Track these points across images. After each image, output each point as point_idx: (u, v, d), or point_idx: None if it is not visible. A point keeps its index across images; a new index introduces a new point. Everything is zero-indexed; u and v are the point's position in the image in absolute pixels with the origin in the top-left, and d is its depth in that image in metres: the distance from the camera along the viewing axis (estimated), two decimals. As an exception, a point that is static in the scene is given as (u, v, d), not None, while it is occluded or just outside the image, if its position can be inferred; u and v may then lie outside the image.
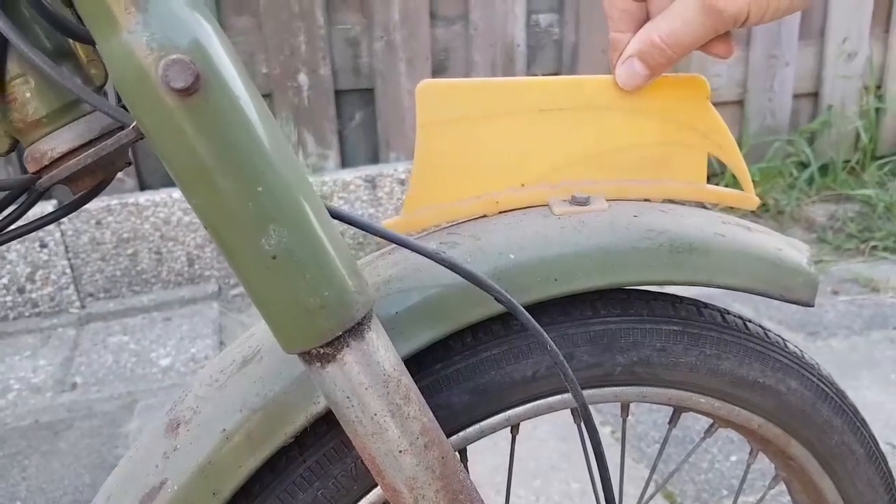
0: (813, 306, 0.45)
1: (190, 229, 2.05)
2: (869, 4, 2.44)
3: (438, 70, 2.21)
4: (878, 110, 2.54)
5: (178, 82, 0.27)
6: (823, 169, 2.50)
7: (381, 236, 0.37)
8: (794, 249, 0.47)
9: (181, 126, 0.28)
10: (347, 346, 0.32)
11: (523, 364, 0.43)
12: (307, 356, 0.32)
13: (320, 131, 2.19)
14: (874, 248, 2.14)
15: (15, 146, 0.36)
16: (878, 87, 2.55)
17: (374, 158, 2.27)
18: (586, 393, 0.45)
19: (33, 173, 0.35)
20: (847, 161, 2.52)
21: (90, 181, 0.35)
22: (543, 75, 2.30)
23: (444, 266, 0.35)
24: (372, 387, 0.33)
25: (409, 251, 0.38)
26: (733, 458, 1.30)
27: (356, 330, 0.32)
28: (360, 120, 2.25)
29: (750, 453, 0.55)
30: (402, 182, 2.21)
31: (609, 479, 0.42)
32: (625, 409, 0.50)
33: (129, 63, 0.27)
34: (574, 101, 0.44)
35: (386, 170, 2.20)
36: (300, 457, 0.40)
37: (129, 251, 2.02)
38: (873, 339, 1.70)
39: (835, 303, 1.88)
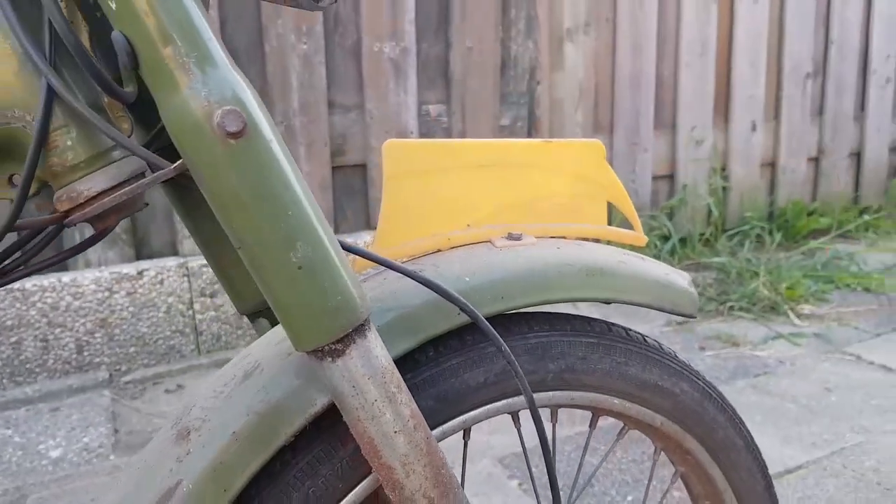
0: (695, 317, 0.57)
1: (80, 314, 1.99)
2: (710, 99, 2.83)
3: (337, 153, 2.32)
4: (724, 189, 2.90)
5: (232, 127, 0.35)
6: (683, 241, 2.79)
7: (373, 260, 0.45)
8: (677, 275, 0.59)
9: (229, 163, 0.36)
10: (353, 343, 0.40)
11: (477, 372, 0.51)
12: (319, 353, 0.39)
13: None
14: (731, 308, 2.40)
15: (40, 190, 0.42)
16: (723, 169, 2.92)
17: (273, 239, 2.32)
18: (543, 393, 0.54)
19: (63, 212, 0.41)
20: (702, 234, 2.83)
21: (115, 219, 0.41)
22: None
23: (423, 284, 0.44)
24: (372, 377, 0.40)
25: (386, 276, 0.46)
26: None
27: (360, 329, 0.40)
28: (257, 202, 2.29)
29: (654, 451, 0.65)
30: (301, 261, 2.26)
31: (554, 468, 0.51)
32: (554, 414, 0.60)
33: (189, 113, 0.35)
34: (504, 160, 0.55)
35: (285, 249, 2.25)
36: (293, 460, 0.45)
37: (13, 339, 1.92)
38: (738, 387, 1.90)
39: (702, 357, 2.09)
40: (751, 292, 2.45)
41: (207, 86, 0.36)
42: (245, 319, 2.19)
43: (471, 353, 0.51)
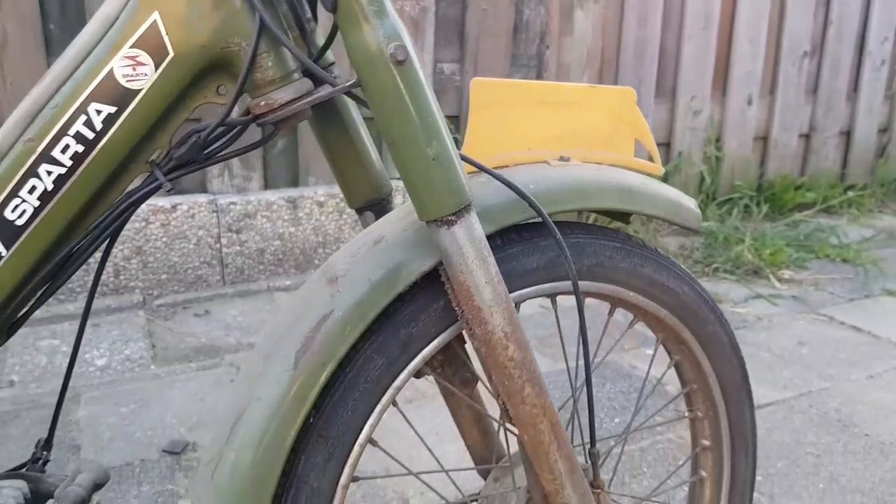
0: (699, 233, 0.74)
1: (118, 242, 2.14)
2: (710, 72, 2.98)
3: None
4: (717, 158, 3.06)
5: (400, 56, 0.51)
6: (676, 206, 2.96)
7: (473, 165, 0.61)
8: (687, 199, 0.76)
9: (397, 82, 0.51)
10: (462, 217, 0.56)
11: (531, 259, 0.67)
12: (438, 222, 0.56)
13: (245, 155, 2.36)
14: (716, 269, 2.59)
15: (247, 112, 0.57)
16: (718, 140, 3.08)
17: (295, 182, 2.47)
18: (566, 283, 0.71)
19: (255, 115, 0.57)
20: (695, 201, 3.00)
21: (293, 122, 0.57)
22: (446, 116, 2.61)
23: (505, 184, 0.60)
24: (472, 242, 0.56)
25: (475, 179, 0.62)
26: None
27: (467, 208, 0.56)
28: (282, 147, 2.44)
29: (657, 341, 0.82)
30: (320, 204, 2.41)
31: (587, 340, 0.68)
32: (582, 301, 0.77)
33: (370, 46, 0.51)
34: (557, 99, 0.71)
35: (307, 192, 2.40)
36: (402, 307, 0.62)
37: (57, 260, 2.07)
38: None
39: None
40: (735, 256, 2.63)
41: (384, 28, 0.51)
42: (271, 254, 2.35)
43: (528, 244, 0.67)
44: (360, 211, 0.72)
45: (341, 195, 2.42)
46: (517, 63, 2.69)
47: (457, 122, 2.67)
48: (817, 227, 3.00)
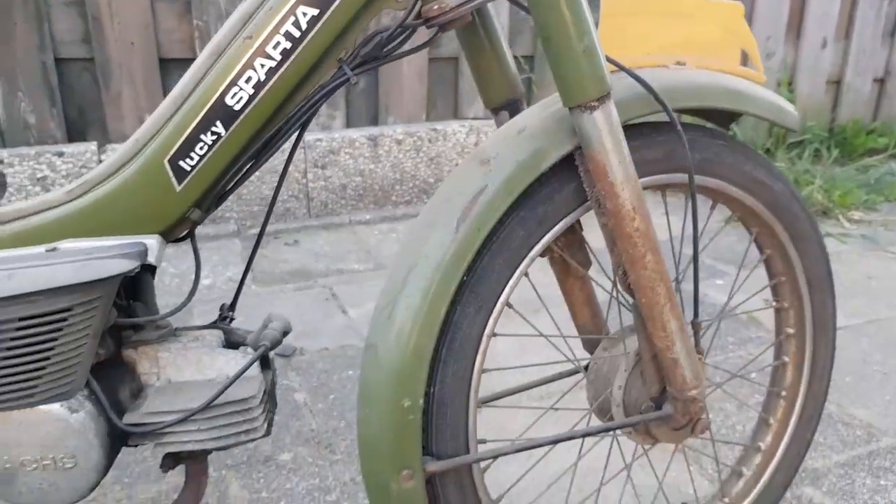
0: (797, 132, 0.82)
1: (214, 174, 2.30)
2: (785, 13, 2.95)
3: (433, 45, 2.54)
4: (789, 102, 3.05)
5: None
6: (745, 149, 2.98)
7: (609, 61, 0.70)
8: (786, 101, 0.84)
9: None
10: (602, 104, 0.66)
11: (649, 151, 0.77)
12: (581, 107, 0.66)
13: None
14: (786, 210, 2.62)
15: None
16: (790, 83, 3.06)
17: (375, 121, 2.58)
18: (676, 176, 0.80)
19: (427, 19, 0.67)
20: (764, 144, 3.02)
21: (456, 25, 0.67)
22: (520, 56, 2.67)
23: (636, 80, 0.69)
24: (610, 126, 0.66)
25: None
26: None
27: (607, 95, 0.66)
28: (364, 86, 2.55)
29: (751, 234, 0.91)
30: (398, 142, 2.52)
31: (697, 229, 0.77)
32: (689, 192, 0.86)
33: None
34: (674, 10, 0.79)
35: (386, 131, 2.51)
36: (539, 189, 0.73)
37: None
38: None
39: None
40: (805, 196, 2.65)
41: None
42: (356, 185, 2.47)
43: (647, 139, 0.77)
44: (495, 111, 0.83)
45: (418, 134, 2.54)
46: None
47: (531, 61, 2.73)
48: (888, 172, 2.99)
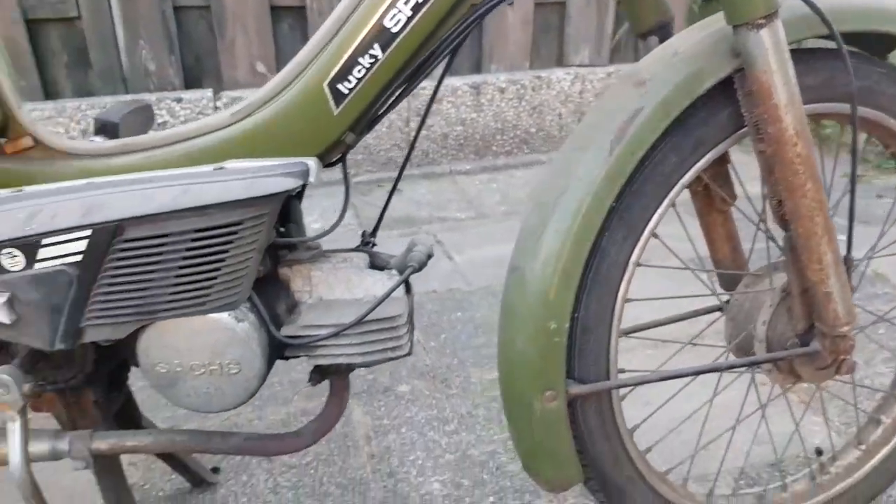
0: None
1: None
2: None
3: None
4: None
5: None
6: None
7: None
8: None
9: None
10: (769, 22, 0.63)
11: (809, 77, 0.74)
12: (749, 25, 0.63)
13: (432, 42, 2.48)
14: (910, 166, 2.46)
15: None
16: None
17: (478, 69, 2.57)
18: (833, 105, 0.76)
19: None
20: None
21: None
22: None
23: (804, 2, 0.66)
24: (776, 46, 0.64)
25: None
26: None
27: (776, 13, 0.63)
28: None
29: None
30: (501, 90, 2.50)
31: (855, 163, 0.73)
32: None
33: None
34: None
35: (489, 79, 2.50)
36: (695, 112, 0.71)
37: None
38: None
39: (879, 202, 2.21)
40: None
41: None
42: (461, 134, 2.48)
43: (806, 65, 0.73)
44: (643, 36, 0.81)
45: (521, 82, 2.50)
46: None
47: None
48: None
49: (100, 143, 0.79)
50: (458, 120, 2.50)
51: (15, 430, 0.77)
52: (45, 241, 0.67)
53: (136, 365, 0.83)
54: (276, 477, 1.13)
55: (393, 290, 0.75)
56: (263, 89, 0.74)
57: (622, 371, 0.78)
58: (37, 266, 0.68)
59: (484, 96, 2.50)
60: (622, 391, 0.78)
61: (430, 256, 0.80)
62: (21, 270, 0.68)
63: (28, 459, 0.78)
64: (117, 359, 0.87)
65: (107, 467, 0.93)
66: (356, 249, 0.84)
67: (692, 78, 0.68)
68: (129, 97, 2.25)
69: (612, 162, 0.68)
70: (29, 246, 0.67)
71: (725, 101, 0.71)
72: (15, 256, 0.68)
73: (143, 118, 1.03)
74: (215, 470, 1.15)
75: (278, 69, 2.39)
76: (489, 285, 1.73)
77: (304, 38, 2.38)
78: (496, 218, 2.15)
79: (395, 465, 1.15)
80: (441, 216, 2.21)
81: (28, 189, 0.72)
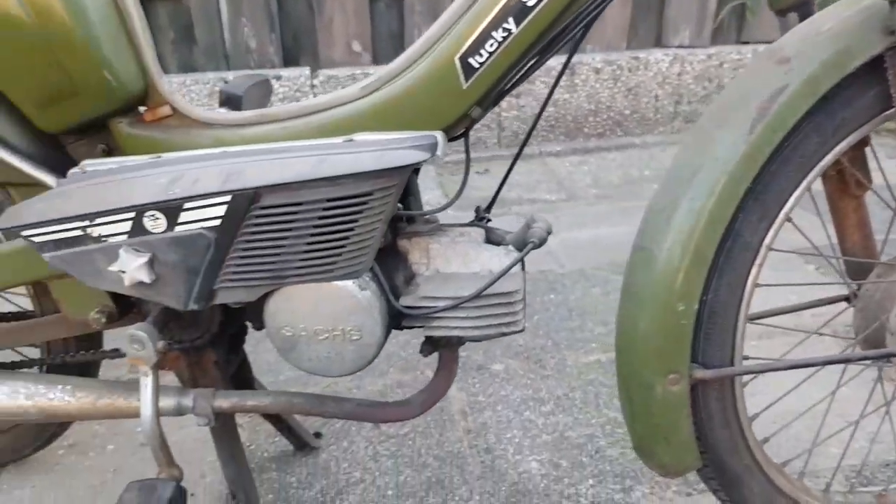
0: None
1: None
2: None
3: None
4: None
5: None
6: None
7: None
8: None
9: None
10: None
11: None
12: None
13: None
14: None
15: None
16: None
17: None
18: None
19: None
20: None
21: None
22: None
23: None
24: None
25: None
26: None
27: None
28: (562, 13, 2.49)
29: None
30: (597, 71, 2.46)
31: None
32: None
33: None
34: None
35: (585, 59, 2.45)
36: (840, 91, 0.67)
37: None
38: None
39: None
40: None
41: None
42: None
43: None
44: (782, 13, 0.78)
45: (618, 62, 2.45)
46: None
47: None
48: None
49: (234, 113, 0.82)
50: (550, 100, 2.47)
51: (147, 384, 0.81)
52: (186, 206, 0.70)
53: (258, 328, 0.87)
54: (375, 445, 1.16)
55: (514, 264, 0.75)
56: (394, 63, 0.75)
57: (746, 358, 0.76)
58: (177, 229, 0.72)
59: (578, 76, 2.46)
60: (744, 378, 0.76)
61: (549, 233, 0.80)
62: (162, 233, 0.72)
63: (158, 413, 0.82)
64: (240, 322, 0.91)
65: (223, 426, 0.97)
66: (472, 224, 0.84)
67: (841, 55, 0.65)
68: (230, 74, 2.33)
69: (752, 141, 0.66)
70: (171, 209, 0.71)
71: (873, 80, 0.68)
72: (157, 219, 0.72)
73: (264, 91, 1.07)
74: (317, 435, 1.19)
75: (374, 48, 2.43)
76: (582, 268, 1.71)
77: (401, 18, 2.40)
78: (588, 200, 2.12)
79: (491, 441, 1.15)
80: (531, 197, 2.19)
81: (166, 156, 0.75)
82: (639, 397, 0.73)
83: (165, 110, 0.80)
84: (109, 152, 0.81)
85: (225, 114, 0.81)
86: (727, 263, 0.69)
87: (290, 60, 2.43)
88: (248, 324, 0.90)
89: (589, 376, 1.30)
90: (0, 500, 1.10)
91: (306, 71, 2.34)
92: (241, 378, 1.02)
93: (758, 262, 0.71)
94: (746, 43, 2.58)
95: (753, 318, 0.84)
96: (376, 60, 2.43)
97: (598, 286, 1.63)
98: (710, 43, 2.55)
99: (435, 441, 1.16)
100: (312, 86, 2.34)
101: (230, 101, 0.97)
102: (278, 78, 2.31)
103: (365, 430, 1.20)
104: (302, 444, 1.16)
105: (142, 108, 0.80)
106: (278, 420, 1.12)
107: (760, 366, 0.73)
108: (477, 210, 0.88)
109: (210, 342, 0.89)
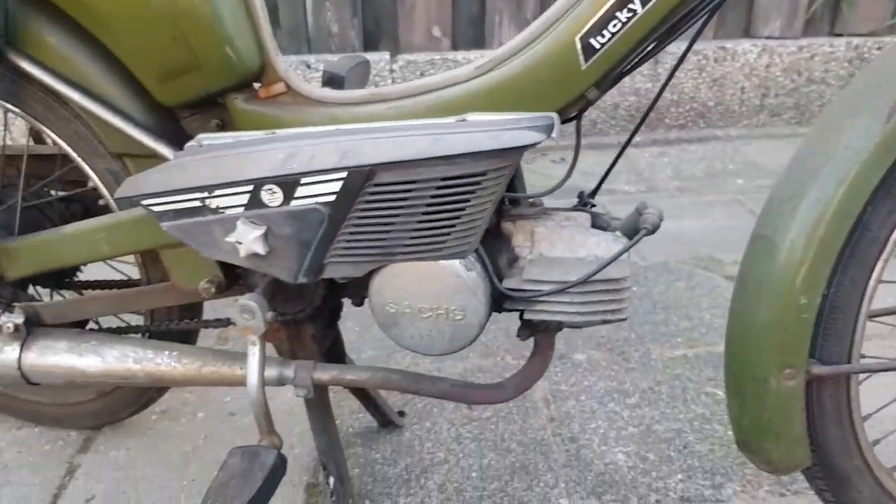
0: None
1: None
2: None
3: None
4: None
5: None
6: None
7: None
8: None
9: None
10: None
11: None
12: None
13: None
14: None
15: None
16: None
17: (655, 38, 2.47)
18: None
19: None
20: None
21: None
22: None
23: None
24: None
25: None
26: None
27: None
28: (647, 1, 2.44)
29: None
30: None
31: None
32: None
33: None
34: None
35: (670, 48, 2.40)
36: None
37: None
38: None
39: None
40: None
41: None
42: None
43: None
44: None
45: (704, 52, 2.38)
46: None
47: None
48: None
49: (345, 92, 0.83)
50: (631, 90, 2.43)
51: (255, 353, 0.83)
52: (303, 181, 0.72)
53: (358, 304, 0.88)
54: (457, 427, 1.17)
55: (626, 250, 0.74)
56: (509, 44, 0.74)
57: (862, 356, 0.73)
58: (293, 203, 0.73)
59: (662, 66, 2.40)
60: (860, 377, 0.73)
61: (661, 220, 0.78)
62: (279, 206, 0.74)
63: (263, 382, 0.84)
64: (340, 297, 0.92)
65: (318, 398, 0.99)
66: (578, 209, 0.83)
67: None
68: (311, 57, 2.36)
69: (887, 131, 0.63)
70: (289, 184, 0.72)
71: None
72: (274, 193, 0.73)
73: (364, 72, 1.08)
74: (401, 413, 1.20)
75: (453, 34, 2.43)
76: (665, 261, 1.68)
77: (482, 4, 2.39)
78: (669, 193, 2.07)
79: (576, 430, 1.15)
80: (609, 188, 2.16)
81: (280, 132, 0.76)
82: (751, 391, 0.71)
83: (280, 87, 0.82)
84: (223, 127, 0.83)
85: (337, 92, 0.82)
86: (853, 257, 0.67)
87: (370, 45, 2.46)
88: (346, 299, 0.91)
89: (675, 371, 1.28)
90: (97, 460, 1.15)
91: (386, 56, 2.36)
92: (335, 353, 1.04)
93: (884, 257, 0.68)
94: (840, 35, 2.47)
95: (874, 316, 0.81)
96: (455, 46, 2.43)
97: (681, 280, 1.60)
98: (802, 34, 2.45)
99: (518, 427, 1.16)
100: (391, 70, 2.36)
101: (333, 80, 0.98)
102: (359, 62, 2.33)
103: (447, 411, 1.21)
104: (386, 422, 1.18)
105: (256, 85, 0.82)
106: (365, 396, 1.14)
107: (879, 364, 0.70)
108: (580, 195, 0.88)
109: (311, 316, 0.91)
